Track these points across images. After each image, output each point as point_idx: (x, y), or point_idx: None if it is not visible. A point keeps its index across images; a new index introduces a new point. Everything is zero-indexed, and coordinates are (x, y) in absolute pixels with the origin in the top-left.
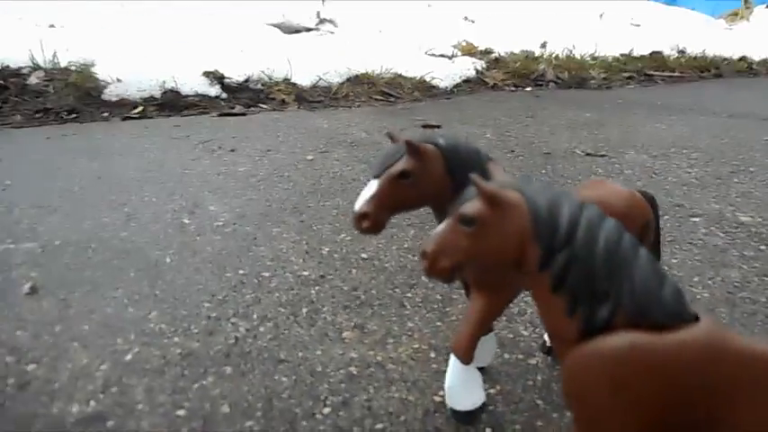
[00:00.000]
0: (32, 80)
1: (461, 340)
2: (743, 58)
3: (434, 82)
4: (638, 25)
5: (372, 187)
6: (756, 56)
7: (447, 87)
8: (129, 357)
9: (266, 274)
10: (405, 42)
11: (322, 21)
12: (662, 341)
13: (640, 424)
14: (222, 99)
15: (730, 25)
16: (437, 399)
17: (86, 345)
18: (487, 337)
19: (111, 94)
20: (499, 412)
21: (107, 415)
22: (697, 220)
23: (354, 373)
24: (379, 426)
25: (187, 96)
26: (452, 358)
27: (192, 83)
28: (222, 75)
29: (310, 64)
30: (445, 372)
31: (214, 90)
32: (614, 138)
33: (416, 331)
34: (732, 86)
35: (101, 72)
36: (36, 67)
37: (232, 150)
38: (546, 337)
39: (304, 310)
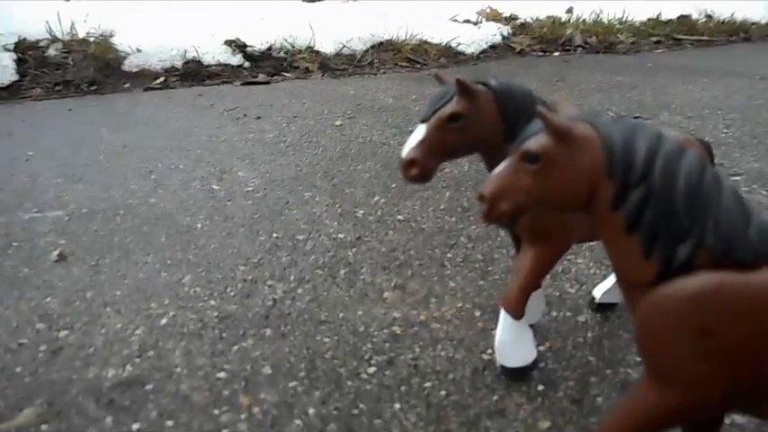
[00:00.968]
0: (51, 52)
1: (512, 294)
2: None
3: (460, 48)
4: None
5: (420, 132)
6: None
7: (473, 53)
8: (164, 321)
9: (301, 237)
10: (428, 8)
11: None
12: (754, 280)
13: (725, 376)
14: (245, 68)
15: None
16: (485, 357)
17: (119, 310)
18: (536, 293)
19: (131, 65)
20: (550, 369)
21: (145, 378)
22: (738, 178)
23: (398, 332)
24: (428, 384)
25: (209, 66)
26: (502, 314)
27: (214, 52)
28: (244, 43)
29: (333, 31)
30: (491, 330)
31: (236, 59)
32: (647, 100)
33: (459, 290)
34: (761, 50)
35: (120, 43)
36: (54, 39)
37: (258, 118)
38: (595, 292)
39: (342, 271)
